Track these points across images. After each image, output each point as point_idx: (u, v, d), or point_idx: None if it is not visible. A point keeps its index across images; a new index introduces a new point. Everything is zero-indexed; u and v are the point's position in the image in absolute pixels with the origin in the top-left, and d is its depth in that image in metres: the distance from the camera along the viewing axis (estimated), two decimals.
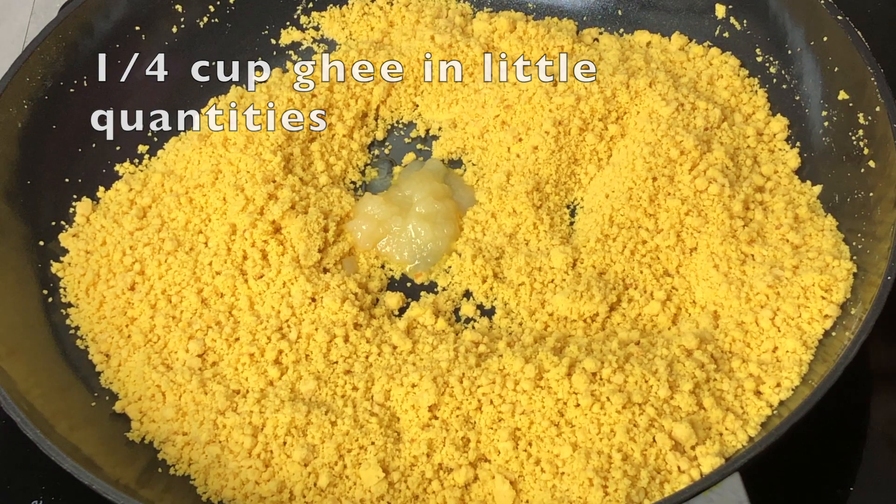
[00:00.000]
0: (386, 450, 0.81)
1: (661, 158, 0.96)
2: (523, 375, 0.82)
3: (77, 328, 0.93)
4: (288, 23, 1.18)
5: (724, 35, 1.09)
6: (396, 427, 0.84)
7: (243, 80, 1.14)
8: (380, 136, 1.11)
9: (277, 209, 0.97)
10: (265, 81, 1.13)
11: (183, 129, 1.09)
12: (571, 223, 1.00)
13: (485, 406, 0.82)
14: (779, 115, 1.02)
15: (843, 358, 0.76)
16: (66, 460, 0.76)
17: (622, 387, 0.81)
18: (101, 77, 1.06)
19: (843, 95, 0.94)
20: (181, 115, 1.10)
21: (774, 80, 1.04)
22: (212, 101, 1.11)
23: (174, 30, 1.13)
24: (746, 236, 0.91)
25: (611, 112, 1.03)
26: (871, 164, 0.89)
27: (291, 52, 1.17)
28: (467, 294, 0.96)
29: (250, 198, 0.98)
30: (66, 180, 1.02)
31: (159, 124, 1.09)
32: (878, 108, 0.89)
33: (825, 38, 0.97)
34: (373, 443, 0.82)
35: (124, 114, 1.07)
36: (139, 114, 1.08)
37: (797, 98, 1.01)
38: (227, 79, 1.13)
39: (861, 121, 0.91)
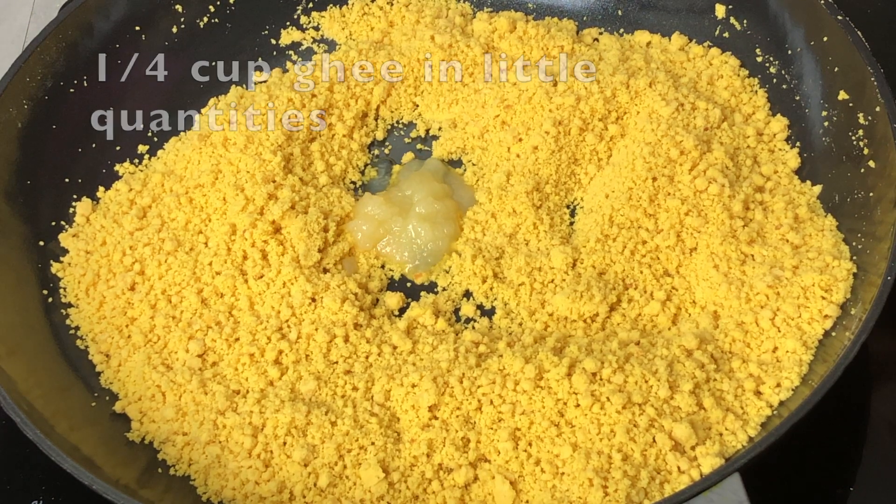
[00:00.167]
0: (386, 450, 0.81)
1: (661, 158, 0.96)
2: (523, 375, 0.82)
3: (77, 328, 0.93)
4: (288, 23, 1.18)
5: (724, 35, 1.09)
6: (396, 427, 0.84)
7: (243, 80, 1.14)
8: (380, 136, 1.11)
9: (277, 209, 0.97)
10: (265, 81, 1.13)
11: (183, 129, 1.09)
12: (571, 223, 1.00)
13: (485, 406, 0.82)
14: (779, 115, 1.02)
15: (843, 358, 0.76)
16: (66, 460, 0.76)
17: (622, 387, 0.81)
18: (101, 77, 1.06)
19: (843, 95, 0.94)
20: (181, 115, 1.10)
21: (774, 80, 1.04)
22: (212, 101, 1.12)
23: (174, 30, 1.13)
24: (746, 236, 0.91)
25: (611, 112, 1.03)
26: (871, 164, 0.89)
27: (291, 52, 1.17)
28: (467, 294, 0.96)
29: (250, 198, 0.98)
30: (66, 180, 1.02)
31: (159, 124, 1.09)
32: (878, 108, 0.89)
33: (825, 38, 0.97)
34: (373, 443, 0.82)
35: (124, 114, 1.07)
36: (139, 114, 1.08)
37: (797, 98, 1.01)
38: (227, 79, 1.13)
39: (861, 121, 0.91)
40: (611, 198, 0.97)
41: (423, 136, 1.10)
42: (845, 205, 0.91)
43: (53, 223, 0.99)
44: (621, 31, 1.14)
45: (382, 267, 0.99)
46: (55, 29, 1.02)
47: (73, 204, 1.01)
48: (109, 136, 1.06)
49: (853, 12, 0.96)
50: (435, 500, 0.80)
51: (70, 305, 0.95)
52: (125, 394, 0.89)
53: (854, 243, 0.88)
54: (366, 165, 1.08)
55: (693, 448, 0.78)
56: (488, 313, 0.95)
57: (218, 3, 1.15)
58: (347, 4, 1.19)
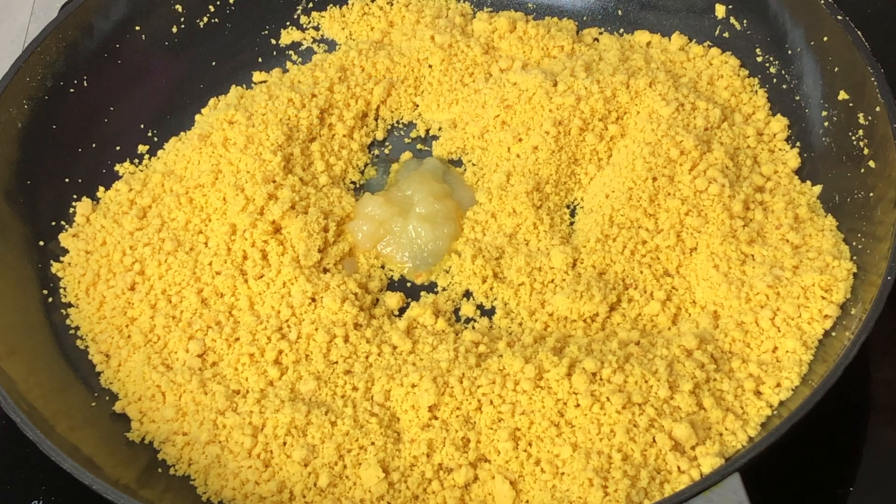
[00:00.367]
0: (386, 450, 0.81)
1: (661, 158, 0.96)
2: (523, 375, 0.82)
3: (77, 328, 0.93)
4: (288, 23, 1.18)
5: (724, 35, 1.09)
6: (396, 427, 0.84)
7: (243, 80, 1.14)
8: (380, 136, 1.11)
9: (277, 209, 0.97)
10: (265, 81, 1.13)
11: (183, 129, 1.09)
12: (571, 223, 1.00)
13: (485, 406, 0.82)
14: (779, 115, 1.02)
15: (843, 358, 0.76)
16: (66, 460, 0.76)
17: (622, 387, 0.81)
18: (101, 77, 1.06)
19: (843, 95, 0.94)
20: (181, 115, 1.10)
21: (774, 80, 1.04)
22: (212, 101, 1.12)
23: (174, 30, 1.13)
24: (746, 236, 0.91)
25: (611, 112, 1.03)
26: (871, 164, 0.89)
27: (291, 52, 1.17)
28: (467, 294, 0.96)
29: (250, 198, 0.98)
30: (66, 180, 1.02)
31: (159, 125, 1.09)
32: (878, 108, 0.89)
33: (825, 38, 0.97)
34: (373, 443, 0.82)
35: (124, 114, 1.07)
36: (139, 114, 1.09)
37: (797, 98, 1.01)
38: (227, 79, 1.13)
39: (861, 121, 0.91)
40: (611, 198, 0.97)
41: (423, 136, 1.10)
42: (845, 205, 0.91)
43: (53, 223, 0.99)
44: (621, 31, 1.14)
45: (382, 267, 0.99)
46: (55, 29, 1.02)
47: (73, 204, 1.01)
48: (110, 136, 1.06)
49: (853, 12, 0.96)
50: (435, 500, 0.80)
51: (70, 305, 0.95)
52: (125, 394, 0.89)
53: (854, 243, 0.88)
54: (366, 165, 1.08)
55: (693, 448, 0.78)
56: (488, 313, 0.95)
57: (218, 3, 1.15)
58: (347, 4, 1.19)
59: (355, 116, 1.09)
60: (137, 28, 1.10)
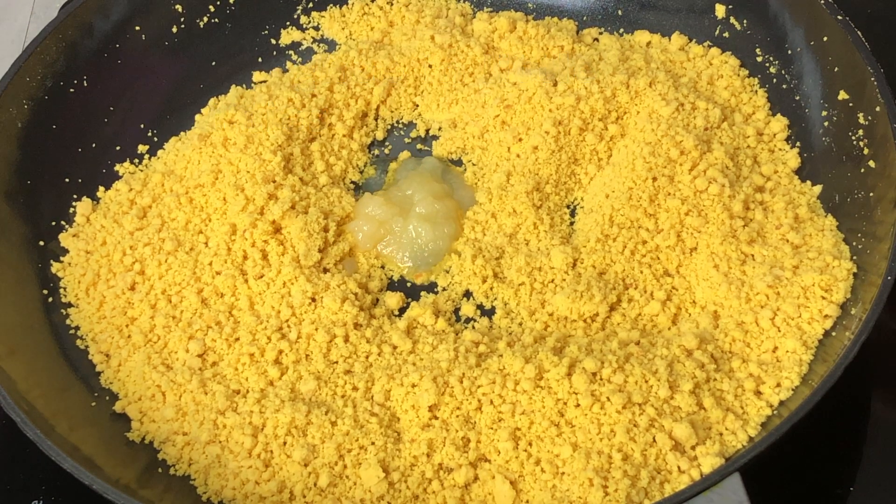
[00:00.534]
0: (386, 450, 0.81)
1: (661, 158, 0.96)
2: (523, 375, 0.82)
3: (77, 328, 0.93)
4: (288, 23, 1.18)
5: (724, 35, 1.09)
6: (396, 427, 0.84)
7: (243, 80, 1.14)
8: (380, 136, 1.11)
9: (277, 209, 0.97)
10: (265, 81, 1.13)
11: (183, 129, 1.09)
12: (571, 223, 1.00)
13: (485, 406, 0.82)
14: (779, 115, 1.02)
15: (843, 358, 0.76)
16: (66, 460, 0.76)
17: (622, 387, 0.81)
18: (101, 77, 1.06)
19: (843, 95, 0.94)
20: (181, 115, 1.10)
21: (774, 80, 1.04)
22: (212, 101, 1.12)
23: (174, 30, 1.13)
24: (746, 236, 0.91)
25: (611, 112, 1.03)
26: (871, 164, 0.89)
27: (291, 52, 1.17)
28: (467, 294, 0.96)
29: (250, 198, 0.98)
30: (66, 180, 1.02)
31: (159, 125, 1.09)
32: (878, 108, 0.89)
33: (825, 38, 0.97)
34: (373, 443, 0.82)
35: (124, 114, 1.07)
36: (139, 114, 1.09)
37: (797, 98, 1.01)
38: (227, 79, 1.13)
39: (861, 121, 0.91)
40: (611, 198, 0.97)
41: (423, 136, 1.10)
42: (845, 205, 0.91)
43: (53, 223, 0.99)
44: (621, 31, 1.14)
45: (382, 267, 0.99)
46: (55, 29, 1.02)
47: (73, 204, 1.01)
48: (110, 136, 1.06)
49: (853, 12, 0.96)
50: (435, 500, 0.80)
51: (70, 305, 0.95)
52: (125, 394, 0.89)
53: (854, 243, 0.88)
54: (366, 165, 1.08)
55: (693, 448, 0.78)
56: (488, 313, 0.95)
57: (218, 3, 1.15)
58: (347, 4, 1.19)
59: (355, 116, 1.09)
60: (137, 28, 1.10)
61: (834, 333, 0.83)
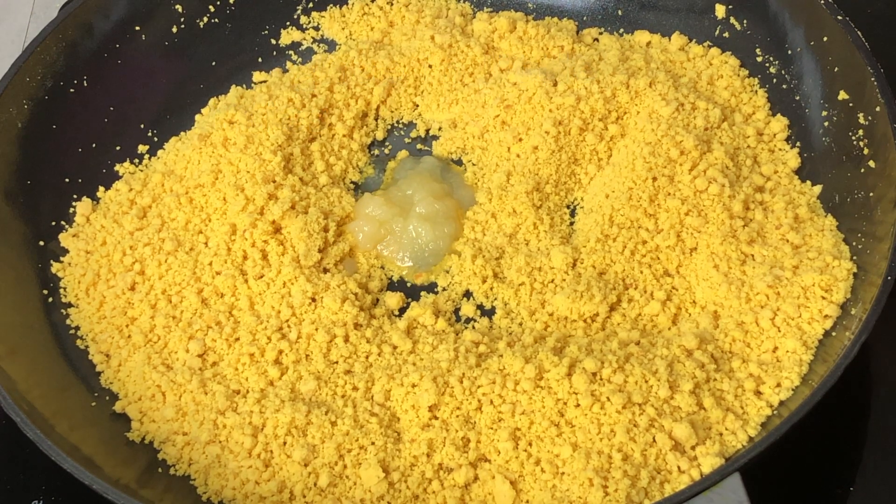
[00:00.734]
0: (386, 450, 0.81)
1: (661, 158, 0.96)
2: (523, 375, 0.82)
3: (77, 328, 0.93)
4: (288, 23, 1.18)
5: (724, 35, 1.09)
6: (396, 427, 0.84)
7: (243, 80, 1.14)
8: (380, 136, 1.11)
9: (277, 209, 0.97)
10: (265, 81, 1.13)
11: (183, 129, 1.09)
12: (571, 223, 1.00)
13: (485, 406, 0.82)
14: (779, 115, 1.02)
15: (843, 358, 0.76)
16: (66, 460, 0.76)
17: (622, 387, 0.81)
18: (101, 77, 1.06)
19: (843, 95, 0.94)
20: (181, 115, 1.10)
21: (774, 80, 1.04)
22: (212, 101, 1.12)
23: (174, 30, 1.13)
24: (746, 236, 0.91)
25: (611, 112, 1.03)
26: (871, 164, 0.89)
27: (291, 52, 1.17)
28: (467, 294, 0.96)
29: (250, 198, 0.98)
30: (66, 180, 1.02)
31: (159, 125, 1.09)
32: (878, 108, 0.89)
33: (825, 38, 0.97)
34: (373, 443, 0.82)
35: (124, 114, 1.07)
36: (139, 114, 1.09)
37: (797, 98, 1.01)
38: (227, 79, 1.13)
39: (861, 121, 0.91)
40: (611, 198, 0.97)
41: (423, 136, 1.10)
42: (845, 205, 0.91)
43: (53, 223, 0.99)
44: (621, 31, 1.14)
45: (382, 267, 0.99)
46: (55, 29, 1.02)
47: (73, 204, 1.01)
48: (110, 136, 1.06)
49: (853, 12, 0.96)
50: (435, 500, 0.80)
51: (70, 305, 0.95)
52: (125, 394, 0.89)
53: (854, 243, 0.88)
54: (366, 165, 1.08)
55: (693, 448, 0.78)
56: (488, 313, 0.95)
57: (218, 3, 1.15)
58: (347, 4, 1.19)
59: (355, 116, 1.09)
60: (137, 28, 1.10)
61: (834, 333, 0.83)
